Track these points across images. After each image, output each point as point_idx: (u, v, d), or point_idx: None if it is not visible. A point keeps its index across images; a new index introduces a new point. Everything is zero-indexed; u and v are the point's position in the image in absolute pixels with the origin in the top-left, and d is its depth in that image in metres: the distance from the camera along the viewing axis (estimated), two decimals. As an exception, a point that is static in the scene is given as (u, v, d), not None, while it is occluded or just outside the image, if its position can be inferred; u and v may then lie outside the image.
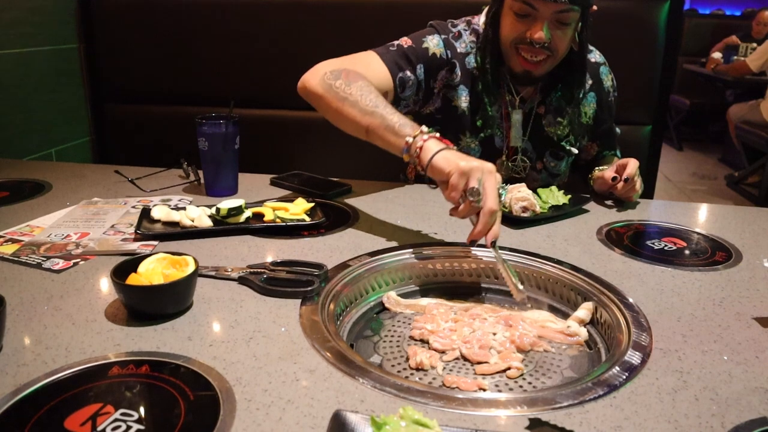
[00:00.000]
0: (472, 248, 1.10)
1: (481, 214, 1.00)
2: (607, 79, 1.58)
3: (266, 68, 2.10)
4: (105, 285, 0.96)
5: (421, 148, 1.08)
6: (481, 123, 1.48)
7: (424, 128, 1.11)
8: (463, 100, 1.48)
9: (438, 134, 1.11)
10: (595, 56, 1.57)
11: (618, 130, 1.70)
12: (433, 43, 1.44)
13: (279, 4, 2.05)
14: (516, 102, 1.49)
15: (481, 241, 1.03)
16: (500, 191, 1.04)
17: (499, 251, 1.03)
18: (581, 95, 1.52)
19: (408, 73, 1.39)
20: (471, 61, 1.46)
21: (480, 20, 1.49)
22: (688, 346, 0.84)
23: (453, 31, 1.47)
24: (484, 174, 1.01)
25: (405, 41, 1.43)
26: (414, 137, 1.10)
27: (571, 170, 1.70)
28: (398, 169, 1.65)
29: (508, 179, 1.53)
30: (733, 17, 8.14)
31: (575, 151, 1.56)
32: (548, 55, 1.35)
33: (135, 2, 2.13)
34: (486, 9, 1.45)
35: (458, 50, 1.46)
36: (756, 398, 0.73)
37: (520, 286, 0.98)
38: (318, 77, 1.27)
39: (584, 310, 0.96)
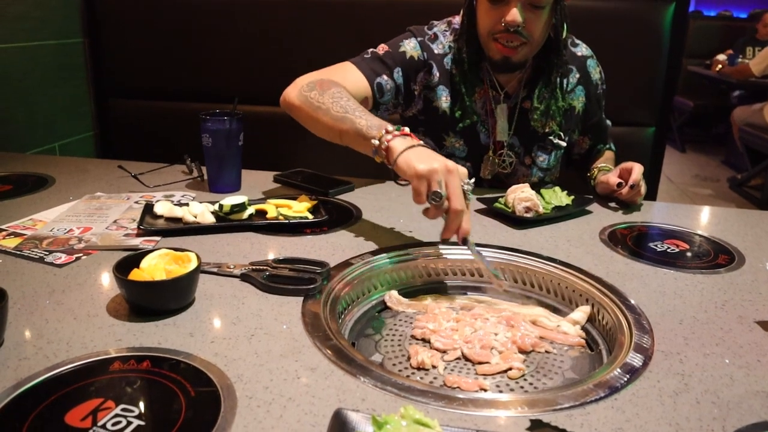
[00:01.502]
0: (453, 246, 1.10)
1: (448, 216, 1.01)
2: (595, 72, 1.57)
3: (270, 65, 2.10)
4: (107, 280, 0.96)
5: (387, 149, 1.08)
6: (459, 113, 1.48)
7: (389, 127, 1.10)
8: (443, 101, 1.49)
9: (407, 129, 1.11)
10: (582, 50, 1.56)
11: (609, 122, 1.70)
12: (410, 46, 1.46)
13: (284, 1, 2.05)
14: (500, 97, 1.49)
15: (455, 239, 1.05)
16: (465, 187, 1.02)
17: (474, 246, 1.04)
18: (567, 86, 1.52)
19: (385, 77, 1.42)
20: (449, 61, 1.48)
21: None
22: (689, 348, 0.84)
23: (429, 34, 1.49)
24: (445, 175, 0.99)
25: (381, 48, 1.46)
26: (380, 138, 1.09)
27: (565, 165, 1.70)
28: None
29: (495, 175, 1.53)
30: (738, 19, 8.11)
31: (563, 144, 1.56)
32: (523, 41, 1.35)
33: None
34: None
35: (435, 51, 1.48)
36: (758, 402, 0.73)
37: (501, 276, 1.02)
38: (296, 90, 1.31)
39: (580, 313, 0.96)
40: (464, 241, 1.02)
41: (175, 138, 1.87)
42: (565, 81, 1.50)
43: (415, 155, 1.03)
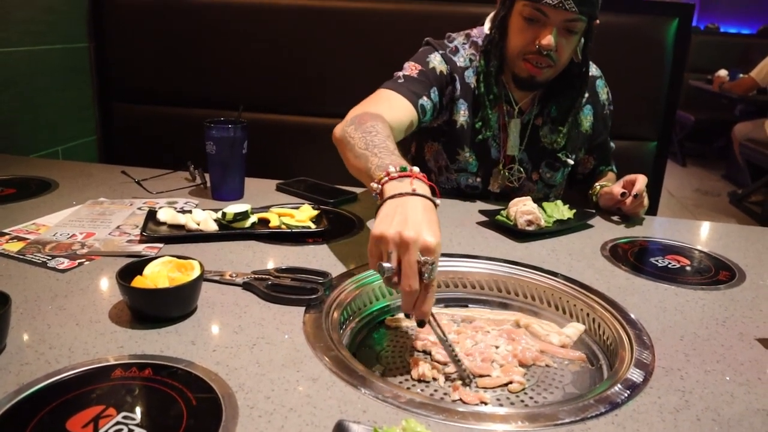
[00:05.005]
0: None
1: (402, 295, 0.83)
2: (603, 92, 1.60)
3: (276, 73, 2.11)
4: (109, 286, 0.97)
5: (380, 193, 0.94)
6: (480, 125, 1.48)
7: (391, 168, 0.95)
8: (462, 114, 1.50)
9: (415, 169, 0.95)
10: (592, 70, 1.57)
11: (612, 144, 1.71)
12: (437, 60, 1.46)
13: (291, 9, 2.06)
14: (514, 112, 1.50)
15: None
16: (429, 265, 0.80)
17: (436, 328, 0.89)
18: (577, 113, 1.53)
19: (425, 98, 1.41)
20: (470, 75, 1.48)
21: (480, 32, 1.51)
22: (690, 365, 0.84)
23: (450, 46, 1.49)
24: (397, 247, 0.81)
25: (412, 68, 1.43)
26: (379, 181, 0.95)
27: (568, 185, 1.71)
28: None
29: (503, 188, 1.54)
30: (739, 35, 8.16)
31: (571, 162, 1.57)
32: (550, 64, 1.37)
33: (146, 3, 2.14)
34: (492, 15, 1.46)
35: (457, 64, 1.48)
36: (758, 420, 0.73)
37: (463, 365, 0.86)
38: (342, 124, 1.23)
39: (573, 329, 0.97)
40: (420, 324, 0.85)
41: (179, 144, 1.88)
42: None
43: (387, 211, 0.87)
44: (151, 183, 1.52)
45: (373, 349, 0.92)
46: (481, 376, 0.84)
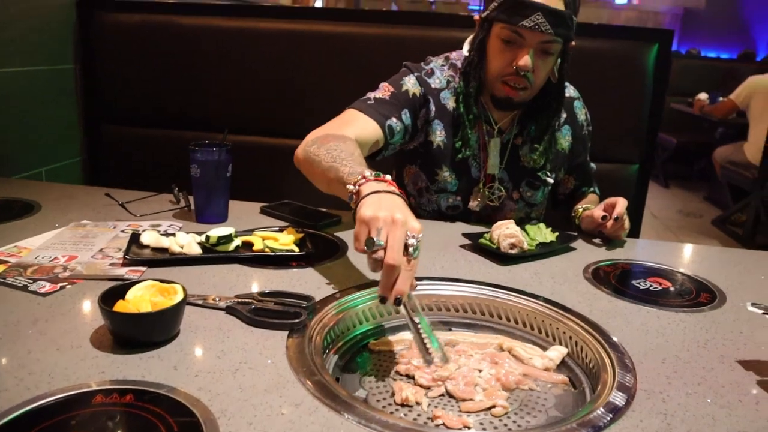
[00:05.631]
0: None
1: (382, 270, 0.88)
2: (581, 113, 1.63)
3: (261, 96, 2.12)
4: (91, 310, 0.96)
5: (357, 193, 1.02)
6: (460, 144, 1.51)
7: (366, 172, 1.04)
8: (438, 135, 1.52)
9: (387, 177, 1.04)
10: (570, 91, 1.61)
11: (594, 165, 1.74)
12: (411, 83, 1.49)
13: (277, 33, 2.08)
14: (494, 132, 1.53)
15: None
16: (411, 241, 0.89)
17: (410, 309, 0.90)
18: (557, 126, 1.57)
19: (394, 119, 1.44)
20: (446, 96, 1.52)
21: (459, 54, 1.55)
22: (672, 387, 0.84)
23: (425, 69, 1.53)
24: (388, 225, 0.90)
25: (385, 89, 1.47)
26: (354, 183, 1.03)
27: (551, 206, 1.74)
28: None
29: (483, 207, 1.55)
30: (719, 59, 8.33)
31: (551, 180, 1.59)
32: (527, 85, 1.40)
33: (133, 24, 2.15)
34: (470, 38, 1.49)
35: (432, 86, 1.52)
36: (738, 443, 0.73)
37: (432, 350, 0.87)
38: (302, 146, 1.32)
39: (556, 352, 0.97)
40: (397, 302, 0.88)
41: (164, 166, 1.88)
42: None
43: (372, 201, 0.95)
44: (135, 205, 1.51)
45: (356, 374, 0.92)
46: (464, 400, 0.84)
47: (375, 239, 0.88)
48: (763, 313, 0.87)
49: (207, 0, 2.83)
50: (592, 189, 1.73)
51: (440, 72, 1.54)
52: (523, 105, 1.50)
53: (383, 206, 0.93)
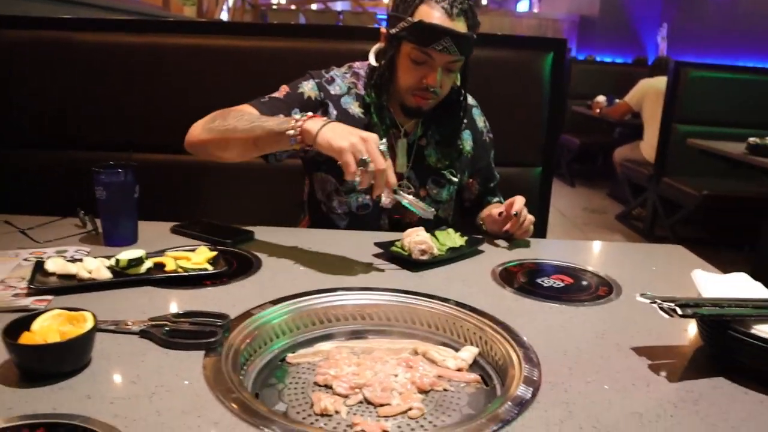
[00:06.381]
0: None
1: (375, 176, 1.18)
2: (480, 120, 1.74)
3: (166, 112, 2.07)
4: (-5, 344, 0.92)
5: (302, 131, 1.24)
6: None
7: (297, 116, 1.30)
8: None
9: (312, 114, 1.29)
10: (469, 100, 1.71)
11: (498, 175, 1.82)
12: (308, 87, 1.56)
13: (181, 47, 2.05)
14: (400, 134, 1.61)
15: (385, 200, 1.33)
16: (382, 148, 1.19)
17: (400, 192, 1.27)
18: (458, 132, 1.66)
19: (282, 116, 1.47)
20: (348, 101, 1.59)
21: (362, 64, 1.63)
22: (573, 377, 0.91)
23: (326, 76, 1.60)
24: (366, 143, 1.17)
25: (282, 90, 1.55)
26: (293, 127, 1.25)
27: (459, 216, 1.81)
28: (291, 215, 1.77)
29: (395, 206, 1.60)
30: (615, 64, 8.83)
31: (455, 180, 1.68)
32: (434, 96, 1.50)
33: (23, 40, 2.04)
34: (375, 48, 1.56)
35: (331, 92, 1.58)
36: (632, 423, 0.80)
37: (427, 208, 1.28)
38: (198, 128, 1.44)
39: (467, 352, 1.02)
40: (393, 192, 1.24)
41: (66, 189, 1.81)
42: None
43: (331, 133, 1.20)
44: (37, 232, 1.46)
45: (275, 388, 0.93)
46: (381, 405, 0.87)
47: (365, 158, 1.16)
48: (651, 303, 0.95)
49: (104, 15, 2.75)
50: (497, 199, 1.81)
51: (341, 79, 1.60)
52: (428, 111, 1.58)
53: (347, 133, 1.20)
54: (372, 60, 1.56)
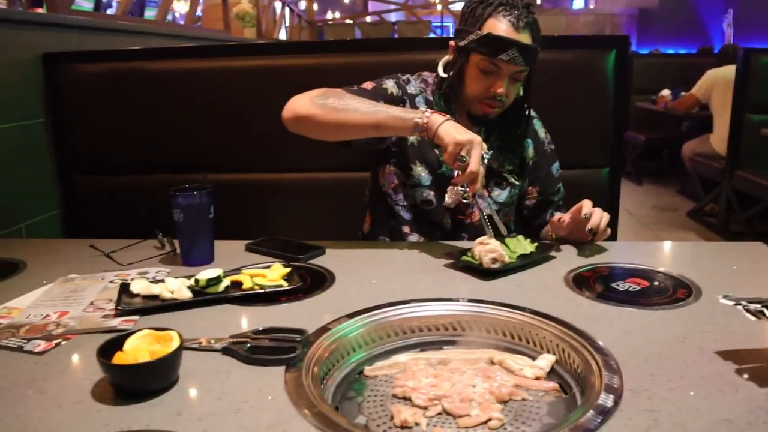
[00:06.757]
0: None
1: (464, 172, 1.35)
2: (541, 131, 1.76)
3: (234, 132, 2.14)
4: (89, 364, 0.97)
5: (427, 123, 1.39)
6: (439, 151, 1.60)
7: (423, 107, 1.52)
8: None
9: (436, 110, 1.44)
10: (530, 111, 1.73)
11: (562, 190, 1.79)
12: (390, 84, 1.64)
13: (244, 69, 2.11)
14: None
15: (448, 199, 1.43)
16: (485, 156, 1.42)
17: (479, 203, 1.43)
18: (520, 138, 1.70)
19: None
20: (420, 101, 1.66)
21: (430, 73, 1.71)
22: (656, 384, 0.88)
23: (402, 78, 1.69)
24: (473, 144, 1.34)
25: (367, 84, 1.63)
26: (420, 116, 1.40)
27: (519, 223, 1.80)
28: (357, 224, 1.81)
29: (458, 204, 1.60)
30: (678, 55, 8.54)
31: (517, 183, 1.70)
32: (501, 105, 1.56)
33: (100, 73, 2.16)
34: (444, 60, 1.62)
35: (408, 91, 1.66)
36: (723, 430, 0.77)
37: (493, 232, 1.40)
38: (306, 102, 1.50)
39: (545, 360, 1.01)
40: (473, 197, 1.40)
41: (145, 212, 1.89)
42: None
43: (452, 128, 1.37)
44: (120, 254, 1.53)
45: (354, 401, 0.94)
46: (461, 416, 0.87)
47: (465, 156, 1.34)
48: (735, 304, 0.92)
49: (172, 43, 2.86)
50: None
51: (414, 82, 1.68)
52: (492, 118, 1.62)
53: (465, 131, 1.36)
54: (441, 71, 1.62)
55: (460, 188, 1.39)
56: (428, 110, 1.42)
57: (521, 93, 1.61)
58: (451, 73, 1.58)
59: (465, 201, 1.60)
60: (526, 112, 1.66)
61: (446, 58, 1.62)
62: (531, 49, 1.49)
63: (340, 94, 1.51)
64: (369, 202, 1.78)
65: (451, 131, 1.35)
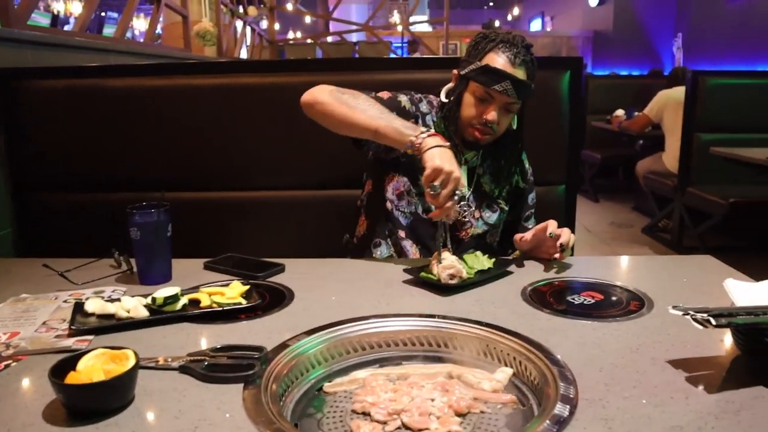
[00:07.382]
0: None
1: (437, 205, 1.40)
2: (526, 162, 1.85)
3: (193, 151, 2.12)
4: (41, 385, 0.95)
5: (420, 143, 1.44)
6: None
7: (422, 128, 1.49)
8: None
9: (433, 132, 1.48)
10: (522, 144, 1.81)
11: (533, 218, 1.85)
12: (404, 99, 1.71)
13: (204, 87, 2.10)
14: (462, 161, 1.72)
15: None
16: (459, 192, 1.42)
17: (443, 229, 1.48)
18: (510, 167, 1.77)
19: None
20: (429, 120, 1.73)
21: (434, 97, 1.77)
22: (610, 393, 0.91)
23: (415, 96, 1.75)
24: (449, 178, 1.38)
25: (384, 93, 1.70)
26: (417, 135, 1.45)
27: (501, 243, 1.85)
28: (334, 242, 1.81)
29: (456, 221, 1.69)
30: (631, 77, 8.81)
31: (506, 207, 1.78)
32: (491, 132, 1.62)
33: (58, 90, 2.12)
34: (447, 87, 1.70)
35: (420, 108, 1.73)
36: (673, 438, 0.79)
37: (444, 263, 1.36)
38: (326, 91, 1.60)
39: (502, 373, 1.02)
40: (441, 224, 1.46)
41: (101, 230, 1.85)
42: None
43: (439, 154, 1.40)
44: (75, 274, 1.50)
45: (314, 417, 0.94)
46: (420, 430, 0.88)
47: (438, 186, 1.37)
48: (683, 314, 0.95)
49: (132, 60, 2.84)
50: (531, 224, 1.84)
51: (424, 102, 1.75)
52: (486, 145, 1.69)
53: (450, 161, 1.39)
54: (443, 97, 1.70)
55: (458, 207, 1.47)
56: (426, 132, 1.46)
57: (514, 126, 1.70)
58: (451, 98, 1.67)
59: (464, 219, 1.65)
60: (519, 144, 1.75)
61: (449, 85, 1.70)
62: (524, 84, 1.57)
63: (356, 94, 1.59)
64: (364, 206, 1.80)
65: (436, 157, 1.39)
